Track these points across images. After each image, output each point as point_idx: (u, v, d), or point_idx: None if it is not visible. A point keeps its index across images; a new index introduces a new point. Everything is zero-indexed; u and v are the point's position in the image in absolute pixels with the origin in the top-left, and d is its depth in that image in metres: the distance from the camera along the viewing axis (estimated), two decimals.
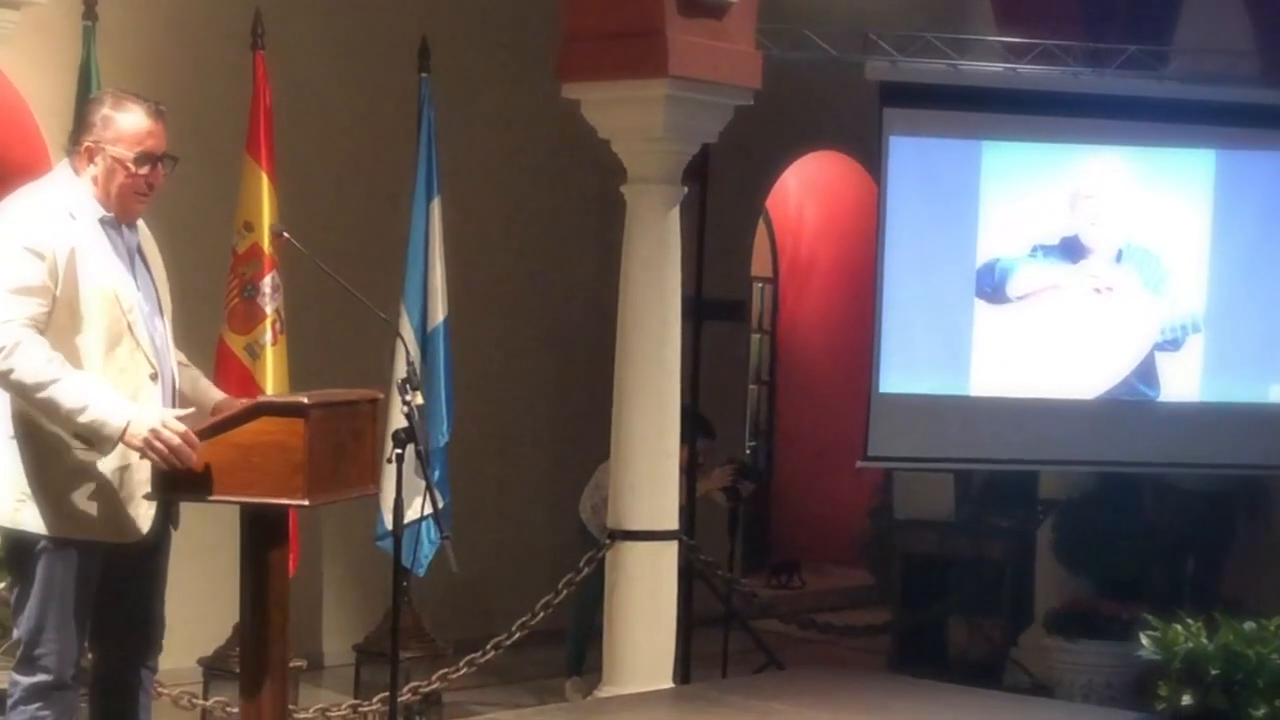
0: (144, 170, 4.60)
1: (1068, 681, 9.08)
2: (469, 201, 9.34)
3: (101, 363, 4.51)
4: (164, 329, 4.74)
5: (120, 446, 4.42)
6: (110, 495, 4.49)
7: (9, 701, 4.62)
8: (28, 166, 8.17)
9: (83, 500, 4.49)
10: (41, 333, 4.40)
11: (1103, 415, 9.15)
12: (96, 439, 4.39)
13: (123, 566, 4.65)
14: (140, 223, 4.77)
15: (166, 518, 4.69)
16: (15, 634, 4.62)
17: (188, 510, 4.73)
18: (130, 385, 4.55)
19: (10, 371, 4.34)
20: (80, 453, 4.46)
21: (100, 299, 4.51)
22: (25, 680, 4.56)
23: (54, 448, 4.45)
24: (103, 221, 4.61)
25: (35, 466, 4.48)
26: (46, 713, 4.55)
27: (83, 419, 4.36)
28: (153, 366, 4.61)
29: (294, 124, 8.30)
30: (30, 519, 4.49)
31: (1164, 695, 6.84)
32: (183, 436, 4.41)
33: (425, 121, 8.02)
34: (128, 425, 4.37)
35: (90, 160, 4.61)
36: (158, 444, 4.38)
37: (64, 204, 4.56)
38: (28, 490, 4.48)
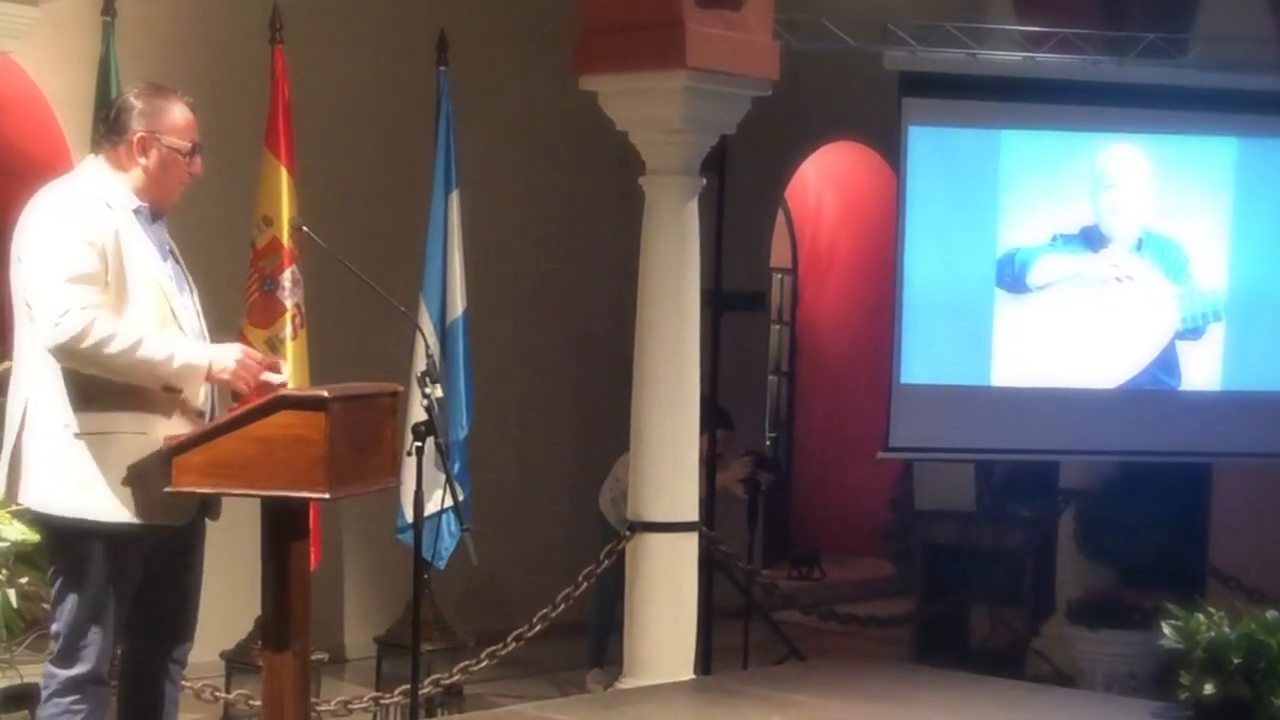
0: (195, 161, 4.72)
1: (1090, 671, 9.07)
2: (487, 194, 9.34)
3: None
4: (200, 322, 4.81)
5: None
6: (161, 479, 4.53)
7: (44, 693, 4.65)
8: (47, 161, 8.21)
9: (137, 484, 4.53)
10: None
11: (1124, 404, 9.13)
12: (188, 380, 4.57)
13: (162, 560, 4.70)
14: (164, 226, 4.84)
15: (203, 508, 4.74)
16: (54, 627, 4.64)
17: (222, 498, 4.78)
18: None
19: (98, 347, 4.43)
20: (130, 438, 4.52)
21: (144, 283, 4.59)
22: (63, 673, 4.59)
23: (109, 435, 4.51)
24: (136, 212, 4.67)
25: (92, 454, 4.52)
26: (83, 706, 4.59)
27: (175, 365, 4.51)
28: None
29: (313, 118, 8.31)
30: (86, 507, 4.53)
31: (1186, 684, 6.84)
32: (262, 362, 4.67)
33: (443, 114, 8.03)
34: (211, 362, 4.58)
35: (143, 151, 4.66)
36: (248, 363, 4.62)
37: (99, 194, 4.62)
38: (86, 478, 4.52)
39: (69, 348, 4.43)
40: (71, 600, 4.57)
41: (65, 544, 4.60)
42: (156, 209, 4.72)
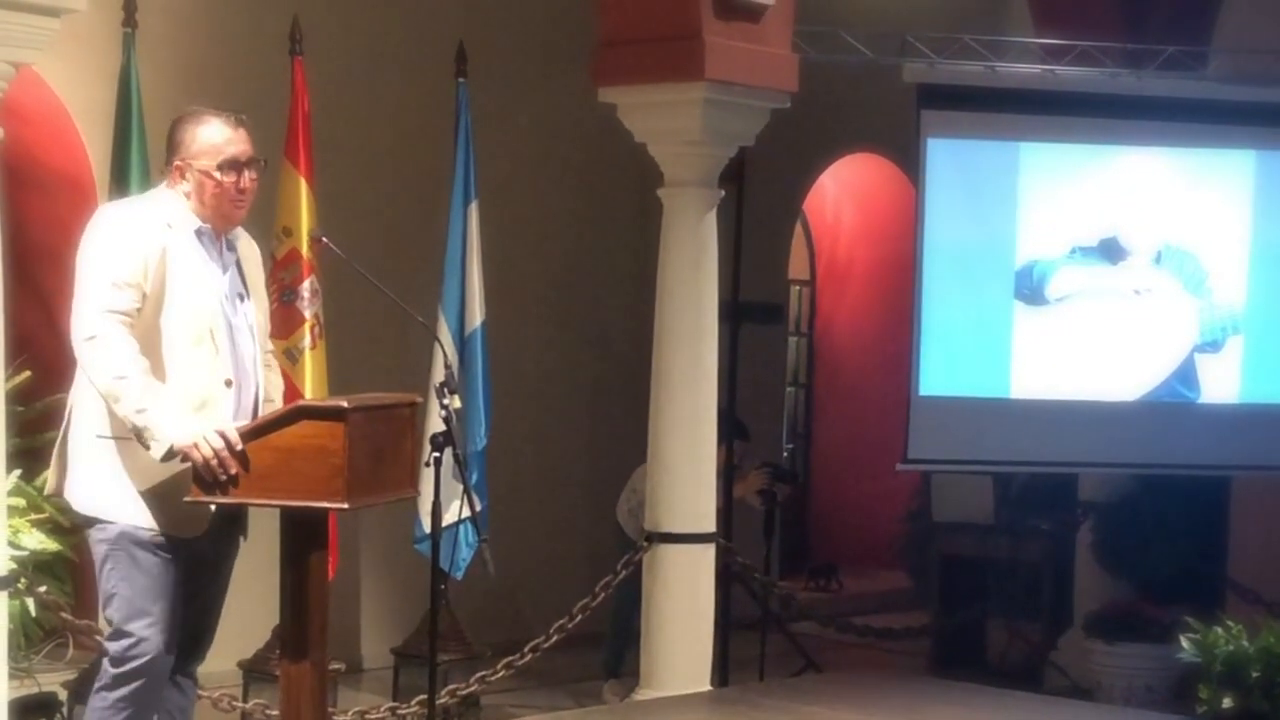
0: (230, 177, 4.77)
1: (1107, 684, 9.05)
2: (506, 205, 9.35)
3: (182, 358, 4.64)
4: (253, 347, 4.84)
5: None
6: (184, 488, 4.57)
7: (95, 686, 4.71)
8: (68, 173, 8.24)
9: (164, 492, 4.60)
10: (132, 327, 4.56)
11: (1142, 417, 9.11)
12: (150, 440, 4.51)
13: (192, 575, 4.73)
14: (243, 245, 4.92)
15: (232, 527, 4.76)
16: (108, 629, 4.73)
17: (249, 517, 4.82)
18: (205, 386, 4.67)
19: (96, 359, 4.52)
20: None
21: (185, 298, 4.66)
22: (112, 670, 4.66)
23: (133, 442, 4.56)
24: (199, 233, 4.77)
25: (121, 459, 4.61)
26: (129, 706, 4.63)
27: (138, 420, 4.49)
28: (230, 373, 4.72)
29: (332, 129, 8.34)
30: (114, 509, 4.62)
31: (1204, 698, 6.83)
32: (226, 441, 4.49)
33: (462, 126, 8.05)
34: (176, 436, 4.49)
35: (182, 177, 4.79)
36: (204, 448, 4.47)
37: (161, 214, 4.75)
38: (112, 481, 4.61)
39: (81, 343, 4.54)
40: (115, 600, 4.66)
41: (103, 543, 4.67)
42: (217, 229, 4.81)
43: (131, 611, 4.62)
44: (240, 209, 4.82)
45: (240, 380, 4.75)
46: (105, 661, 4.70)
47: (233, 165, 4.76)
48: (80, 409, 4.68)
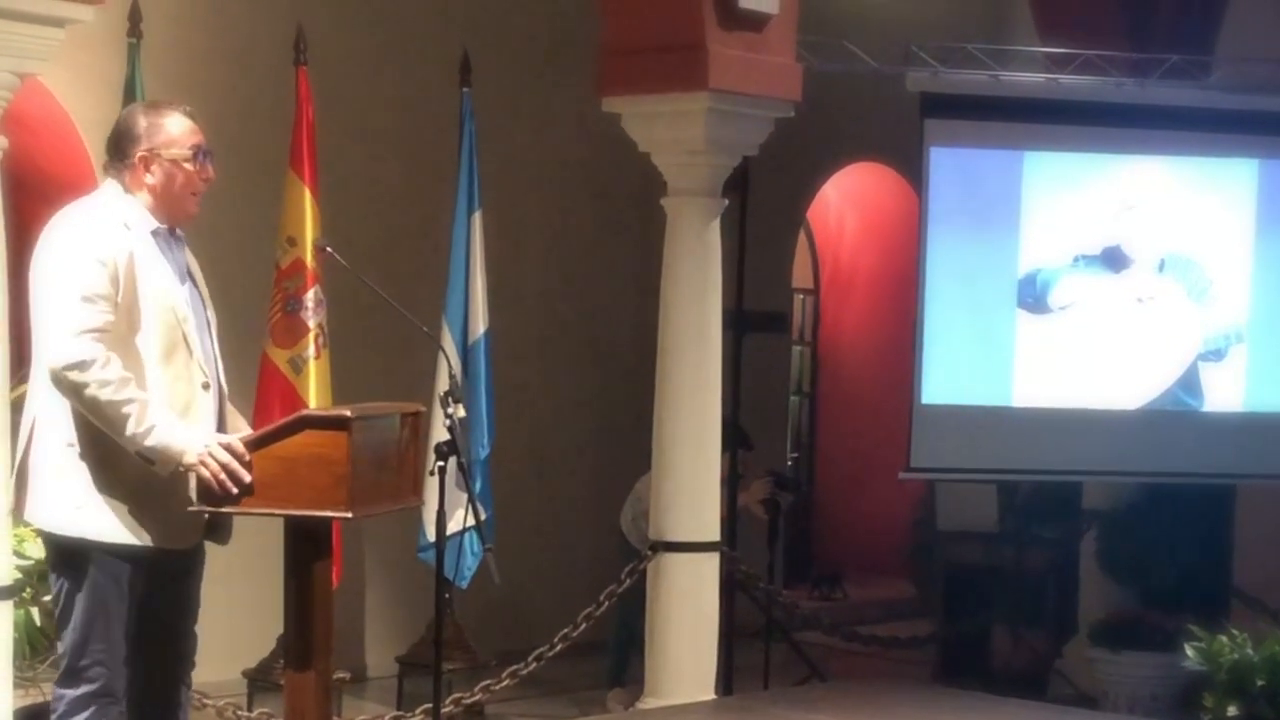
0: (198, 167, 4.69)
1: (1112, 693, 9.05)
2: (510, 214, 9.37)
3: (159, 369, 4.55)
4: (213, 346, 4.79)
5: None
6: (166, 501, 4.52)
7: (53, 716, 4.62)
8: (73, 182, 8.24)
9: (141, 506, 4.51)
10: (107, 342, 4.45)
11: (1146, 426, 9.12)
12: (159, 460, 4.45)
13: (160, 584, 4.66)
14: (187, 246, 4.83)
15: (210, 535, 4.72)
16: (60, 647, 4.62)
17: (233, 523, 4.79)
18: (185, 393, 4.60)
19: (85, 386, 4.39)
20: (132, 459, 4.47)
21: (157, 306, 4.56)
22: (70, 693, 4.54)
23: (112, 455, 4.48)
24: (155, 234, 4.65)
25: (94, 474, 4.50)
26: None
27: (147, 442, 4.41)
28: (205, 376, 4.66)
29: (336, 139, 8.35)
30: (87, 526, 4.50)
31: (1209, 707, 6.82)
32: (232, 453, 4.46)
33: (466, 135, 8.07)
34: (185, 452, 4.43)
35: (147, 169, 4.65)
36: (211, 463, 4.43)
37: (118, 216, 4.61)
38: (86, 497, 4.50)
39: (63, 371, 4.40)
40: (74, 619, 4.53)
41: (67, 561, 4.56)
42: (174, 225, 4.71)
43: (84, 637, 4.52)
44: (197, 203, 4.73)
45: (212, 380, 4.69)
46: (58, 688, 4.57)
47: (202, 153, 4.69)
48: (45, 425, 4.53)
